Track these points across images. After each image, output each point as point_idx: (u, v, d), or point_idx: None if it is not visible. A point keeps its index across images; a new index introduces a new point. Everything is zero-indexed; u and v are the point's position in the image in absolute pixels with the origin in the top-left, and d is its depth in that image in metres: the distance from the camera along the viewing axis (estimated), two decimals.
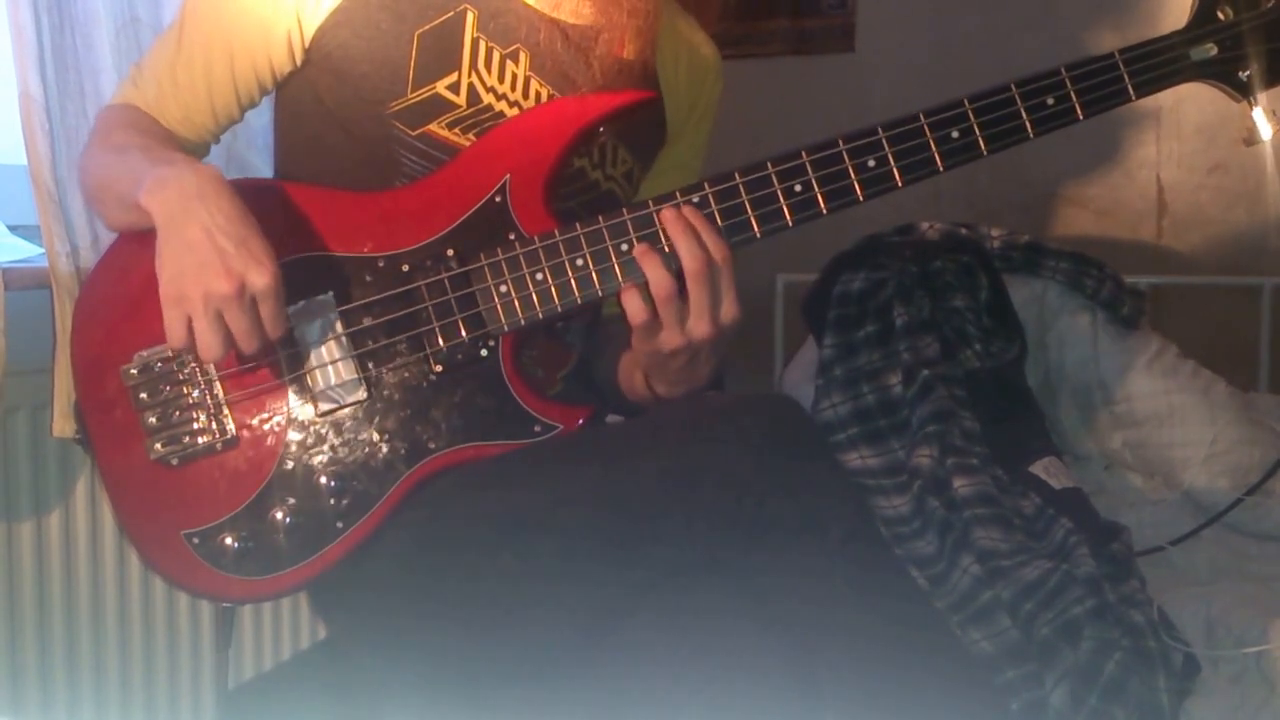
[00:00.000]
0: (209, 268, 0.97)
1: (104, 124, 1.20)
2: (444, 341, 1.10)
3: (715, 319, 1.05)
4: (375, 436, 1.09)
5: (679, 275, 1.04)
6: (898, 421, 1.58)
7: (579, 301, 1.09)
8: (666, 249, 1.06)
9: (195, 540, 1.07)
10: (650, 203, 1.08)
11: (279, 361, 1.08)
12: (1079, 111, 1.10)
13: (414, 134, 1.14)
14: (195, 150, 1.23)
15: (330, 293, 1.10)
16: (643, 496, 1.02)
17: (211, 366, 1.08)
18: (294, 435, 1.08)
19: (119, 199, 1.09)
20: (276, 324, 1.00)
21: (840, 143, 1.09)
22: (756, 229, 1.09)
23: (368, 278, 1.10)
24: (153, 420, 1.08)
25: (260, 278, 0.97)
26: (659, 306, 1.04)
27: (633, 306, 1.05)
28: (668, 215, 1.06)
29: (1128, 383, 1.85)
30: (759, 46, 2.65)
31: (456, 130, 1.15)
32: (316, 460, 1.08)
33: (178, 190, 1.00)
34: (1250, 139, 1.14)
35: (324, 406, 1.09)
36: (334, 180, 1.15)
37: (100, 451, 1.10)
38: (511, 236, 1.10)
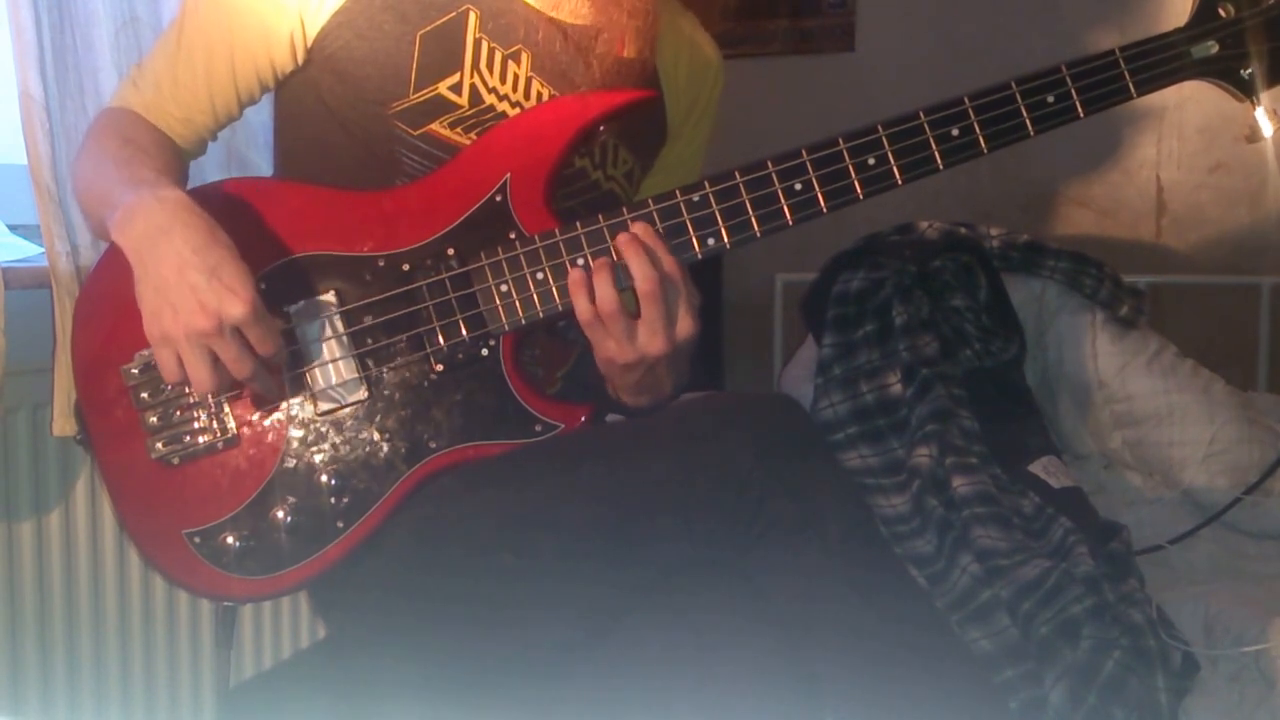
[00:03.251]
0: (184, 307, 0.96)
1: (94, 130, 1.19)
2: (445, 341, 1.10)
3: (670, 335, 1.06)
4: (376, 436, 1.09)
5: (624, 290, 1.05)
6: (897, 421, 1.58)
7: None
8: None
9: (196, 539, 1.07)
10: (650, 202, 1.08)
11: (279, 362, 1.08)
12: (1079, 110, 1.10)
13: (415, 134, 1.14)
14: (193, 148, 1.23)
15: (331, 292, 1.10)
16: (642, 495, 1.02)
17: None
18: (295, 434, 1.08)
19: (97, 221, 1.10)
20: (265, 344, 1.00)
21: (840, 141, 1.09)
22: (757, 228, 1.09)
23: (368, 277, 1.10)
24: (153, 419, 1.08)
25: (235, 308, 0.96)
26: (604, 320, 1.05)
27: (580, 305, 1.05)
28: (621, 238, 1.06)
29: (1126, 382, 1.85)
30: (759, 46, 2.65)
31: (458, 130, 1.15)
32: (317, 459, 1.08)
33: (145, 225, 1.00)
34: (1252, 137, 1.15)
35: (325, 406, 1.09)
36: (334, 179, 1.15)
37: (101, 451, 1.10)
38: (512, 236, 1.10)
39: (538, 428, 1.10)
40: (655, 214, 1.08)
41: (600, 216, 1.09)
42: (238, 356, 0.98)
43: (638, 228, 1.07)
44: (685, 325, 1.07)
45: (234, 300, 0.97)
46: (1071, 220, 2.47)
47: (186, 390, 1.08)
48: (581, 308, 1.06)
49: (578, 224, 1.09)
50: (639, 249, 1.05)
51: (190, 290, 0.96)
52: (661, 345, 1.05)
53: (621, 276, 1.06)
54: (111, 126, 1.17)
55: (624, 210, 1.08)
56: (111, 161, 1.11)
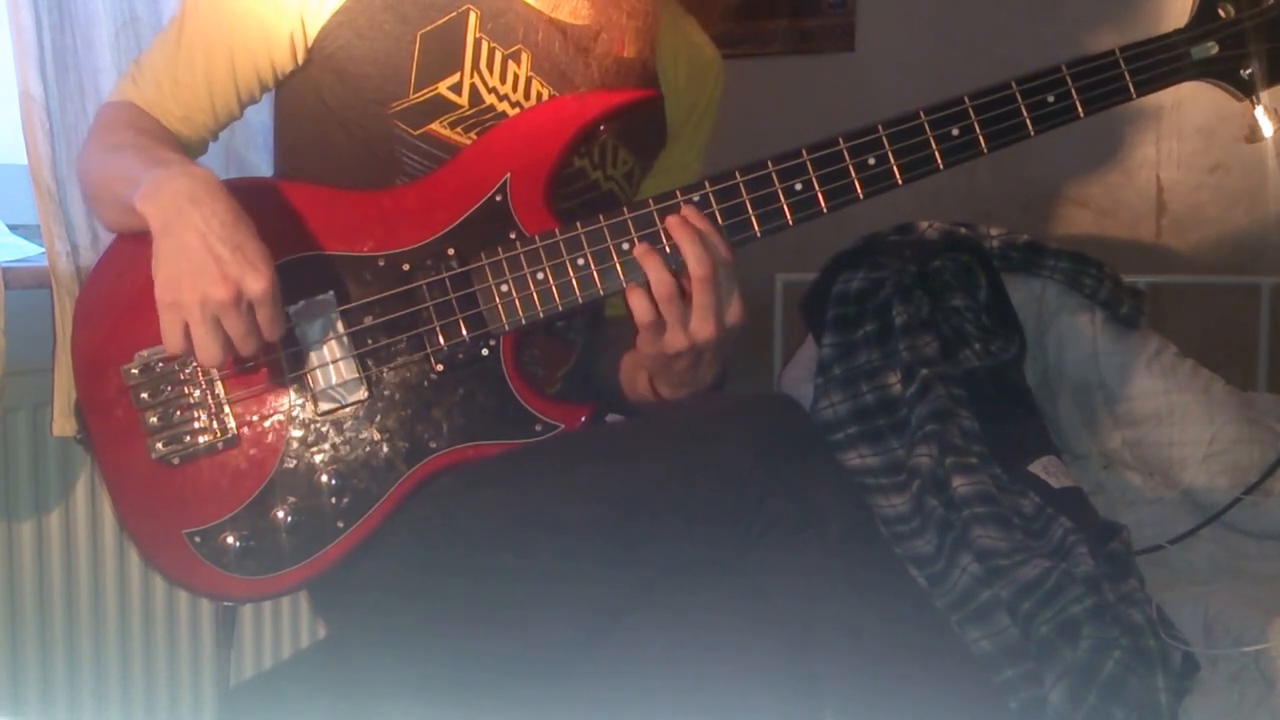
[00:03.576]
0: (204, 274, 0.96)
1: (101, 123, 1.19)
2: (445, 341, 1.10)
3: (720, 321, 1.05)
4: (376, 436, 1.09)
5: (678, 275, 1.05)
6: (897, 421, 1.58)
7: (580, 301, 1.09)
8: (667, 249, 1.06)
9: (196, 539, 1.07)
10: (651, 201, 1.08)
11: (280, 361, 1.08)
12: (1079, 109, 1.10)
13: (415, 134, 1.14)
14: (194, 147, 1.23)
15: (331, 292, 1.10)
16: (643, 495, 1.02)
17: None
18: (295, 434, 1.08)
19: (115, 201, 1.09)
20: (274, 327, 1.00)
21: (840, 141, 1.09)
22: (757, 228, 1.09)
23: (368, 277, 1.10)
24: (154, 420, 1.08)
25: (256, 283, 0.97)
26: (661, 306, 1.04)
27: (639, 306, 1.05)
28: (672, 220, 1.06)
29: (1127, 382, 1.85)
30: (759, 46, 2.65)
31: (458, 130, 1.15)
32: (317, 459, 1.08)
33: (172, 194, 1.00)
34: (1251, 137, 1.15)
35: (325, 406, 1.09)
36: (334, 179, 1.15)
37: (101, 451, 1.10)
38: (512, 235, 1.10)
39: (538, 427, 1.10)
40: (655, 214, 1.08)
41: (600, 216, 1.08)
42: (246, 333, 0.98)
43: (687, 211, 1.06)
44: (736, 310, 1.07)
45: (256, 275, 0.97)
46: (1071, 220, 2.47)
47: (187, 389, 1.08)
48: (642, 309, 1.05)
49: (578, 224, 1.09)
50: (692, 232, 1.04)
51: (213, 260, 0.97)
52: (713, 331, 1.05)
53: (670, 260, 1.05)
54: (120, 118, 1.17)
55: (624, 210, 1.08)
56: (130, 147, 1.11)
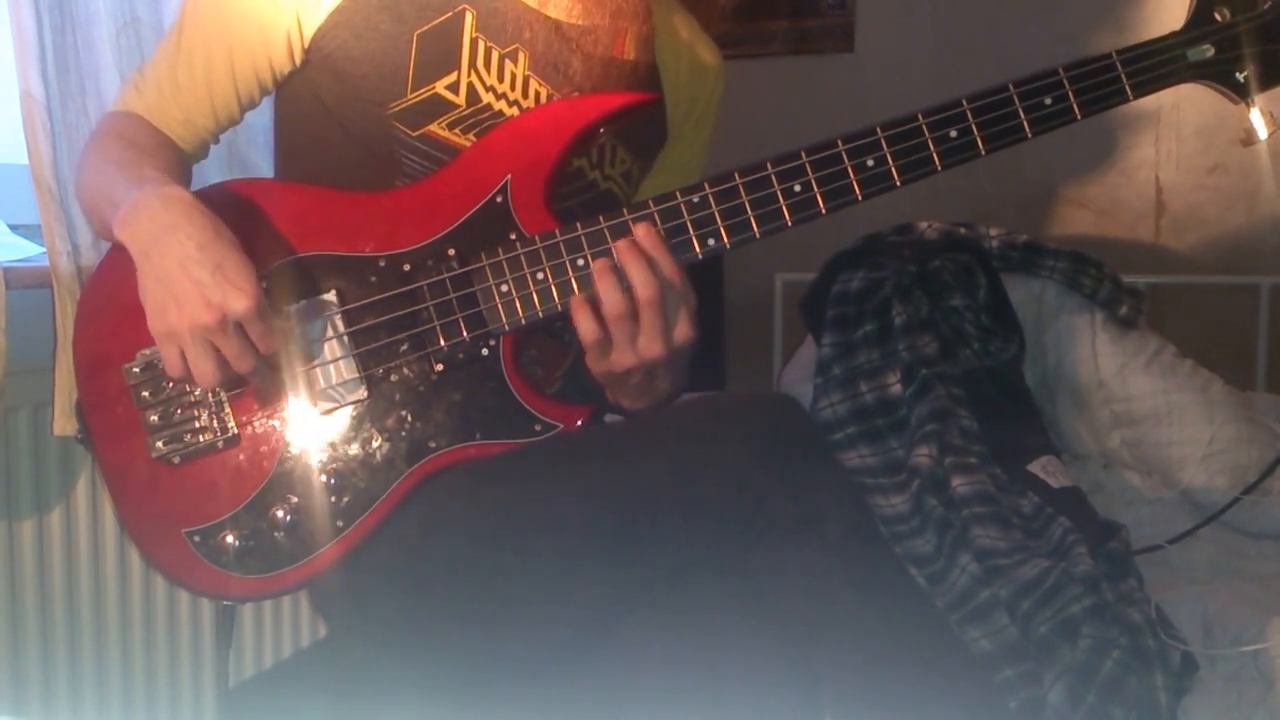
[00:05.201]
0: (188, 301, 0.97)
1: (98, 133, 1.20)
2: (445, 340, 1.10)
3: (668, 340, 1.06)
4: (376, 435, 1.09)
5: (629, 294, 1.05)
6: (896, 420, 1.58)
7: None
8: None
9: (196, 538, 1.07)
10: (650, 203, 1.08)
11: (280, 360, 1.09)
12: (1077, 112, 1.11)
13: (414, 134, 1.14)
14: (195, 152, 1.23)
15: (332, 292, 1.10)
16: (642, 495, 1.02)
17: None
18: (295, 434, 1.09)
19: (101, 222, 1.11)
20: (267, 340, 1.01)
21: (839, 143, 1.09)
22: (756, 229, 1.09)
23: (369, 277, 1.10)
24: (154, 418, 1.08)
25: (239, 303, 0.97)
26: (610, 325, 1.04)
27: (584, 325, 1.05)
28: (620, 245, 1.06)
29: (1126, 382, 1.85)
30: (759, 46, 2.66)
31: (457, 130, 1.15)
32: (317, 459, 1.08)
33: (149, 222, 1.01)
34: (1248, 140, 1.15)
35: (325, 405, 1.09)
36: (334, 180, 1.15)
37: (102, 450, 1.10)
38: (512, 236, 1.10)
39: (537, 427, 1.10)
40: (656, 215, 1.08)
41: (600, 217, 1.09)
42: (240, 352, 0.99)
43: (639, 232, 1.06)
44: (683, 330, 1.07)
45: (238, 295, 0.98)
46: (1070, 221, 2.47)
47: (188, 388, 1.08)
48: (587, 328, 1.05)
49: (578, 225, 1.09)
50: (638, 255, 1.05)
51: (195, 285, 0.97)
52: (660, 350, 1.05)
53: (622, 279, 1.05)
54: (114, 130, 1.18)
55: (624, 211, 1.09)
56: (115, 163, 1.12)
